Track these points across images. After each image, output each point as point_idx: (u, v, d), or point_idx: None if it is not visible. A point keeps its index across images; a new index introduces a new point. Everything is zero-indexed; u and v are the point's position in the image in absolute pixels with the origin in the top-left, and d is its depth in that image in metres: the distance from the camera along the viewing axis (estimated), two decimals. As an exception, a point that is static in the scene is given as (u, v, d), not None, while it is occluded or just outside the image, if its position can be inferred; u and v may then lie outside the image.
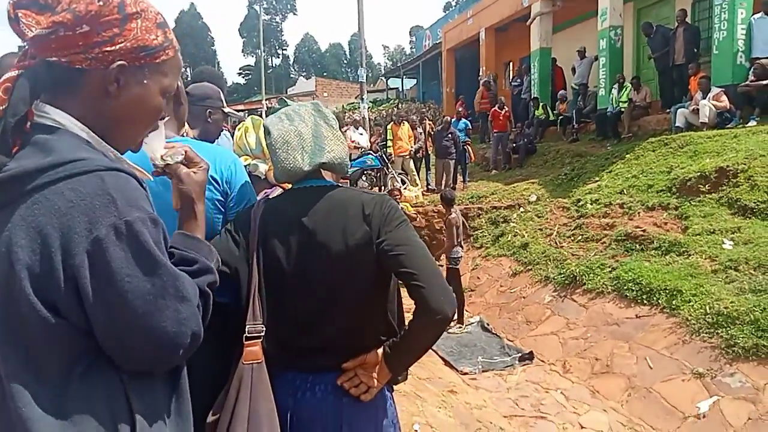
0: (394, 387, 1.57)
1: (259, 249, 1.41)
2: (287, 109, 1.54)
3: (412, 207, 9.29)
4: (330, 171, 1.52)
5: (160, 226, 0.97)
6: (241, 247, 1.43)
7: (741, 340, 4.40)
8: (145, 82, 1.01)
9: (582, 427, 4.39)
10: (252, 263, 1.40)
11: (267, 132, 1.49)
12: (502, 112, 12.21)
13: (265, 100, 30.06)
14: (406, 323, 1.45)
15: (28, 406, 0.84)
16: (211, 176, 1.68)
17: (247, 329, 1.36)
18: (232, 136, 2.51)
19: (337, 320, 1.40)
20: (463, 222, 6.95)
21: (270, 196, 1.77)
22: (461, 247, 6.77)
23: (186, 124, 2.00)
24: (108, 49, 0.95)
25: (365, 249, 1.37)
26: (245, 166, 1.84)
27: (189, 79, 2.62)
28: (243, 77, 73.93)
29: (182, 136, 1.87)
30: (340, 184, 1.52)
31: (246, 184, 1.68)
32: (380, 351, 1.41)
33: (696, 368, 4.50)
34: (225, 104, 2.46)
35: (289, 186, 1.56)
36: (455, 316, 1.32)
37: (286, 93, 39.27)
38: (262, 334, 1.37)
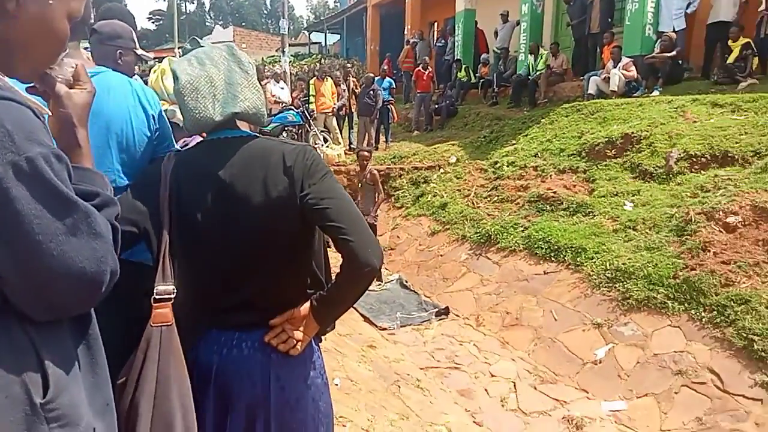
0: (322, 338, 1.59)
1: (171, 206, 1.34)
2: (198, 52, 1.43)
3: (333, 166, 9.23)
4: (245, 121, 1.44)
5: (64, 162, 0.88)
6: (149, 204, 1.35)
7: (635, 293, 4.81)
8: (50, 1, 0.91)
9: (492, 376, 4.67)
10: (163, 220, 1.33)
11: (175, 77, 1.38)
12: (426, 73, 12.27)
13: (178, 48, 28.39)
14: (333, 276, 1.44)
15: None
16: (144, 110, 1.59)
17: (155, 290, 1.30)
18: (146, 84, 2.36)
19: (260, 276, 1.37)
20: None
21: (189, 146, 1.70)
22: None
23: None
24: None
25: (288, 202, 1.32)
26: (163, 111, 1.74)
27: (95, 17, 2.40)
28: (153, 23, 69.11)
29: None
30: (257, 135, 1.44)
31: (167, 125, 1.61)
32: (307, 305, 1.40)
33: (595, 319, 4.89)
34: (137, 46, 2.30)
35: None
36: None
37: (201, 39, 37.19)
38: (172, 295, 1.31)
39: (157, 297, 1.30)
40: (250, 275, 1.37)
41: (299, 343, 1.38)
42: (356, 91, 11.62)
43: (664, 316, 4.57)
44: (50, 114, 1.01)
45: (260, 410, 1.36)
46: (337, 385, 3.64)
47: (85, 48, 2.31)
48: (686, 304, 4.52)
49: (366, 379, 3.94)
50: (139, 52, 2.30)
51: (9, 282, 0.83)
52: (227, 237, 1.34)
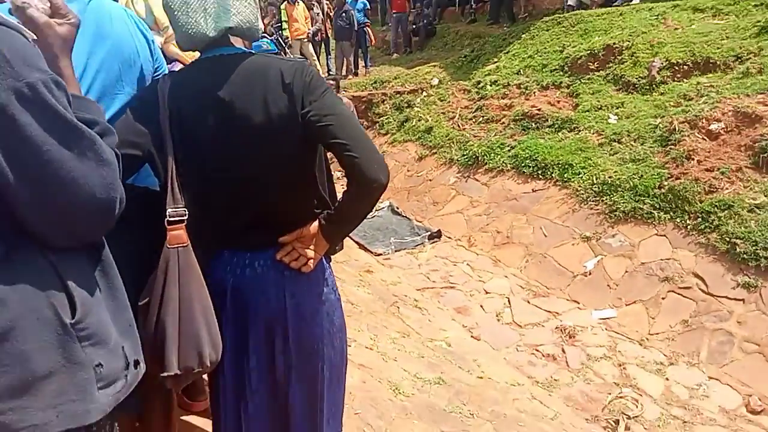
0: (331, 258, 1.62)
1: (172, 127, 1.31)
2: None
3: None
4: (239, 37, 1.38)
5: (63, 88, 0.87)
6: (150, 126, 1.31)
7: (621, 205, 4.94)
8: None
9: (486, 293, 4.85)
10: (166, 144, 1.30)
11: None
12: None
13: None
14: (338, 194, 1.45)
15: None
16: (144, 36, 1.54)
17: (167, 213, 1.30)
18: None
19: (268, 195, 1.36)
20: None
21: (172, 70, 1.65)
22: None
23: None
24: None
25: (289, 120, 1.29)
26: None
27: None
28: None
29: None
30: (252, 52, 1.39)
31: (159, 51, 1.56)
32: (316, 223, 1.41)
33: (584, 233, 5.04)
34: None
35: (195, 56, 1.43)
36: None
37: (162, -30, 35.24)
38: (185, 217, 1.31)
39: (170, 219, 1.30)
40: (256, 195, 1.36)
41: (310, 261, 1.41)
42: (330, 14, 11.18)
43: (651, 226, 4.73)
44: (34, 36, 0.96)
45: (278, 325, 1.41)
46: (340, 310, 3.76)
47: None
48: (672, 213, 4.67)
49: (366, 302, 4.07)
50: None
51: (24, 211, 0.84)
52: (230, 156, 1.33)
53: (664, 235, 4.60)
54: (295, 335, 1.42)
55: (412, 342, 3.70)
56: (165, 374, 1.26)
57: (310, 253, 1.41)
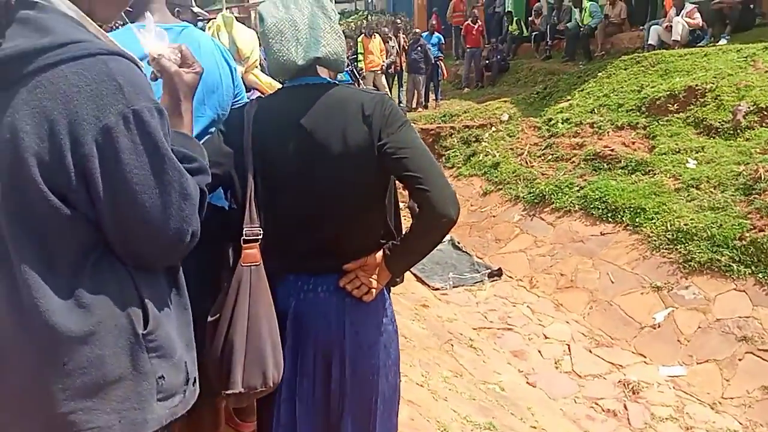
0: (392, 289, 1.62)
1: (254, 150, 1.37)
2: None
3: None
4: (326, 67, 1.44)
5: (165, 117, 0.95)
6: (235, 148, 1.38)
7: (697, 255, 4.65)
8: None
9: (546, 338, 4.67)
10: (247, 165, 1.37)
11: (261, 19, 1.39)
12: (476, 27, 11.89)
13: (226, 8, 28.42)
14: (404, 228, 1.47)
15: (45, 297, 0.85)
16: (228, 65, 1.64)
17: (244, 232, 1.35)
18: None
19: (336, 222, 1.40)
20: None
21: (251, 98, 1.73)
22: None
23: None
24: None
25: (366, 151, 1.34)
26: None
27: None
28: (202, -16, 69.41)
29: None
30: (337, 82, 1.45)
31: (240, 79, 1.65)
32: (380, 253, 1.43)
33: (654, 282, 4.77)
34: (193, 3, 2.33)
35: (279, 86, 1.50)
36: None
37: (248, 1, 37.21)
38: (260, 236, 1.36)
39: (246, 238, 1.35)
40: (326, 221, 1.40)
41: (372, 290, 1.42)
42: (406, 48, 11.40)
43: (729, 280, 4.42)
44: (144, 66, 1.06)
45: (336, 351, 1.42)
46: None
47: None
48: (753, 267, 4.35)
49: (420, 337, 4.01)
50: (196, 9, 2.32)
51: (105, 225, 0.90)
52: (305, 183, 1.37)
53: (744, 291, 4.28)
54: (352, 364, 1.42)
55: (464, 383, 3.60)
56: (229, 392, 1.29)
57: (373, 282, 1.43)
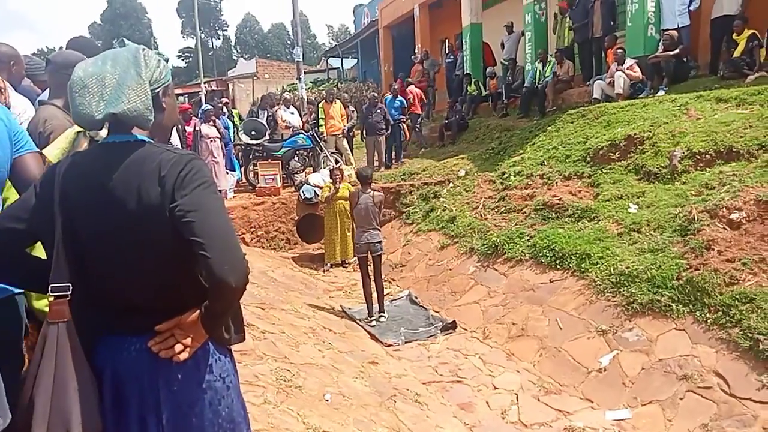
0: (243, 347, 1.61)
1: (62, 206, 1.37)
2: (110, 52, 1.46)
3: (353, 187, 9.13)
4: (126, 123, 1.40)
5: None
6: (45, 203, 1.38)
7: (639, 297, 4.70)
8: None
9: (495, 388, 4.60)
10: (55, 220, 1.36)
11: (74, 71, 1.42)
12: (416, 94, 12.37)
13: (204, 83, 29.18)
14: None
15: None
16: (8, 129, 1.75)
17: (50, 288, 1.33)
18: None
19: (143, 281, 1.38)
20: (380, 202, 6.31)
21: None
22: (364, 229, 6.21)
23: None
24: None
25: (159, 211, 1.32)
26: (85, 132, 1.84)
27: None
28: (183, 60, 71.23)
29: None
30: (149, 140, 1.45)
31: (21, 128, 1.79)
32: (197, 312, 1.41)
33: (600, 326, 4.78)
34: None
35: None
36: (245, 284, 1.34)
37: (227, 75, 38.33)
38: (67, 293, 1.33)
39: (53, 294, 1.33)
40: (133, 280, 1.38)
41: (186, 350, 1.39)
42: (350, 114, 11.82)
43: (669, 320, 4.45)
44: None
45: (153, 413, 1.38)
46: (327, 400, 3.65)
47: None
48: (691, 306, 4.39)
49: (359, 394, 3.93)
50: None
51: None
52: (107, 240, 1.36)
53: (684, 330, 4.30)
54: (172, 425, 1.38)
55: (403, 439, 3.51)
56: None
57: (186, 341, 1.39)
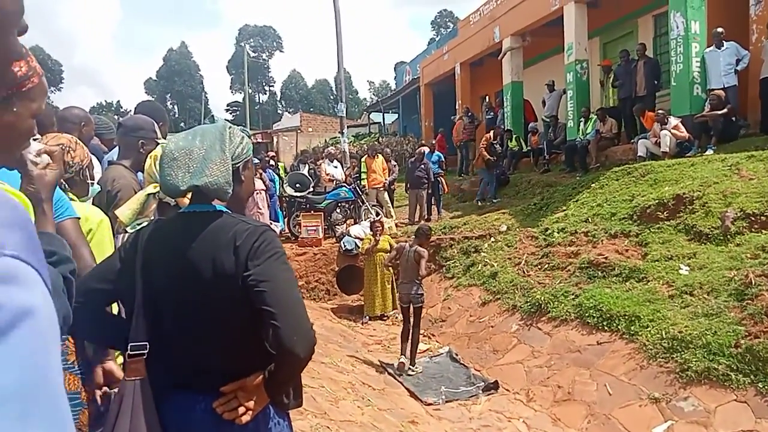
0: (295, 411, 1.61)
1: (144, 269, 1.46)
2: (199, 127, 1.57)
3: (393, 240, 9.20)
4: (206, 195, 1.50)
5: None
6: (128, 265, 1.48)
7: (694, 364, 4.48)
8: (14, 109, 1.07)
9: (541, 455, 4.40)
10: (136, 281, 1.44)
11: (165, 145, 1.54)
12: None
13: (251, 136, 30.23)
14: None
15: None
16: None
17: (129, 346, 1.40)
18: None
19: (213, 344, 1.44)
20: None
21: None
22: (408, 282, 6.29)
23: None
24: None
25: (232, 281, 1.39)
26: (155, 194, 1.91)
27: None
28: (231, 113, 74.47)
29: None
30: (226, 210, 1.53)
31: (61, 196, 1.78)
32: (261, 377, 1.45)
33: (652, 393, 4.56)
34: (159, 136, 2.57)
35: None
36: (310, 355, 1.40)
37: (272, 128, 39.75)
38: (145, 351, 1.41)
39: (131, 353, 1.40)
40: (203, 342, 1.44)
41: (249, 412, 1.42)
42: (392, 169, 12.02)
43: (728, 390, 4.21)
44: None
45: None
46: (368, 463, 3.55)
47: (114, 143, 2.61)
48: (752, 376, 4.16)
49: (401, 458, 3.82)
50: (161, 141, 2.55)
51: None
52: (182, 306, 1.44)
53: (745, 402, 4.06)
54: None
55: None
56: None
57: (249, 404, 1.43)
